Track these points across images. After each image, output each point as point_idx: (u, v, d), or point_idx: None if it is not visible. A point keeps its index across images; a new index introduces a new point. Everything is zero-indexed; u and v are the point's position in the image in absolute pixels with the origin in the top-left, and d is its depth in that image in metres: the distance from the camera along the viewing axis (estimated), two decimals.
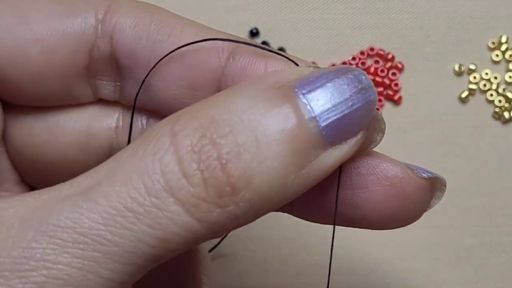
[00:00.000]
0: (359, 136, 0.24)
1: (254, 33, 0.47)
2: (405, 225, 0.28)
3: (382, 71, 0.47)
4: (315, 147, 0.23)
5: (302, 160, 0.23)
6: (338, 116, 0.23)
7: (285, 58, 0.26)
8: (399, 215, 0.27)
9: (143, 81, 0.28)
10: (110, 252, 0.22)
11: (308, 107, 0.23)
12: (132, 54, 0.28)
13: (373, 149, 0.27)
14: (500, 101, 0.47)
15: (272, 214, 0.28)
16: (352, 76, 0.24)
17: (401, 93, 0.47)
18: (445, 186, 0.29)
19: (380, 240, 0.45)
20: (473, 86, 0.47)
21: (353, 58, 0.47)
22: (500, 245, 0.45)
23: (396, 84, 0.47)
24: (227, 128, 0.23)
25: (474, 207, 0.46)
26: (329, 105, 0.23)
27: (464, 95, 0.47)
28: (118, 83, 0.29)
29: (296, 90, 0.23)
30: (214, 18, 0.47)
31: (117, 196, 0.22)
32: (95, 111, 0.30)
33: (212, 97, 0.24)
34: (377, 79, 0.47)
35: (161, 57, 0.27)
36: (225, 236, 0.36)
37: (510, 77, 0.47)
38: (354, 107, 0.23)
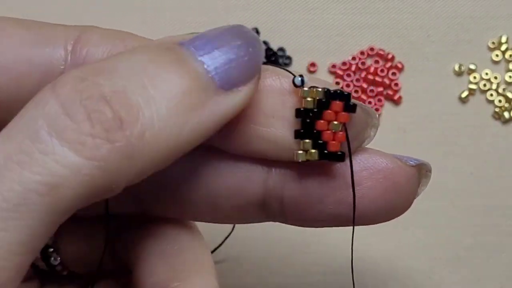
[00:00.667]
0: (250, 84, 0.24)
1: None
2: (396, 216, 0.28)
3: (382, 71, 0.47)
4: (205, 89, 0.23)
5: (192, 101, 0.23)
6: (224, 59, 0.24)
7: (272, 67, 0.26)
8: (392, 206, 0.27)
9: None
10: None
11: (194, 54, 0.24)
12: None
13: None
14: (500, 101, 0.47)
15: None
16: (234, 28, 0.25)
17: (401, 93, 0.47)
18: (430, 172, 0.29)
19: (380, 240, 0.45)
20: (473, 86, 0.47)
21: (353, 58, 0.47)
22: (500, 245, 0.45)
23: (396, 84, 0.47)
24: (109, 73, 0.22)
25: (474, 207, 0.46)
26: (215, 51, 0.24)
27: (464, 95, 0.47)
28: None
29: (183, 44, 0.24)
30: (214, 18, 0.47)
31: (1, 151, 0.21)
32: None
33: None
34: (377, 79, 0.47)
35: None
36: (227, 237, 0.36)
37: (510, 77, 0.47)
38: (239, 53, 0.24)
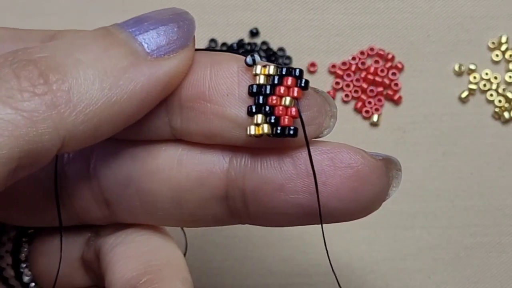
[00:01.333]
0: (182, 52, 0.26)
1: (254, 33, 0.47)
2: (365, 214, 0.27)
3: (382, 71, 0.47)
4: (133, 53, 0.25)
5: (122, 63, 0.24)
6: (151, 28, 0.26)
7: (227, 53, 0.27)
8: (358, 198, 0.26)
9: None
10: None
11: (123, 27, 0.26)
12: None
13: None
14: (500, 101, 0.47)
15: None
16: (168, 8, 0.27)
17: (401, 93, 0.47)
18: (400, 171, 0.28)
19: (380, 240, 0.45)
20: (473, 86, 0.47)
21: (353, 58, 0.47)
22: (500, 245, 0.45)
23: (396, 84, 0.47)
24: (42, 47, 0.24)
25: (474, 207, 0.46)
26: (143, 24, 0.26)
27: (464, 95, 0.47)
28: None
29: (113, 24, 0.26)
30: (214, 18, 0.47)
31: None
32: None
33: None
34: (377, 79, 0.47)
35: None
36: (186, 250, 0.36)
37: (510, 77, 0.47)
38: (167, 22, 0.26)
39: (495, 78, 0.47)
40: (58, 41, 0.25)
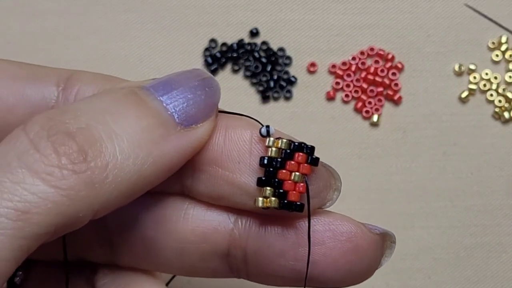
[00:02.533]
0: (208, 121, 0.26)
1: (254, 33, 0.47)
2: (357, 283, 0.29)
3: (382, 71, 0.47)
4: (164, 125, 0.25)
5: (153, 135, 0.25)
6: (181, 98, 0.26)
7: (243, 117, 0.28)
8: (353, 270, 0.28)
9: None
10: None
11: (154, 94, 0.26)
12: None
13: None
14: (500, 101, 0.47)
15: None
16: (191, 70, 0.27)
17: (401, 93, 0.47)
18: (394, 243, 0.30)
19: None
20: (473, 86, 0.47)
21: (353, 58, 0.47)
22: (500, 245, 0.45)
23: (396, 84, 0.47)
24: (75, 112, 0.24)
25: (474, 207, 0.46)
26: (173, 92, 0.26)
27: (464, 95, 0.47)
28: None
29: (143, 87, 0.26)
30: (214, 18, 0.47)
31: None
32: None
33: None
34: (377, 79, 0.47)
35: None
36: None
37: (510, 77, 0.47)
38: (196, 91, 0.26)
39: (495, 78, 0.47)
40: (90, 104, 0.25)
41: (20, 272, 0.31)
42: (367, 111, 0.47)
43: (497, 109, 0.46)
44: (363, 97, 0.47)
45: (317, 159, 0.27)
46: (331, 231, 0.27)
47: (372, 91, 0.47)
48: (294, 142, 0.27)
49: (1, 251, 0.22)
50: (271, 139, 0.27)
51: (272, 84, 0.47)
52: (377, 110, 0.47)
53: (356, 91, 0.47)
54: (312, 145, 0.27)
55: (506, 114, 0.46)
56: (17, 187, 0.22)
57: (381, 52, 0.47)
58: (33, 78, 0.28)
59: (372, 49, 0.47)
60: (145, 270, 0.30)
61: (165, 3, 0.47)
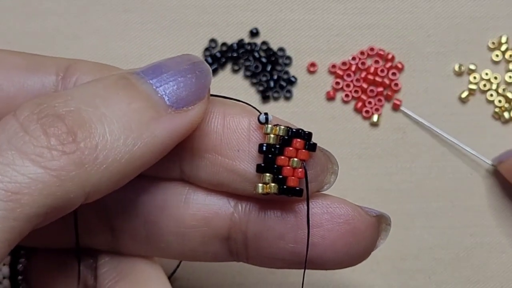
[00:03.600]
0: (200, 103, 0.26)
1: (254, 33, 0.47)
2: (354, 264, 0.29)
3: (382, 71, 0.47)
4: (155, 106, 0.25)
5: (144, 117, 0.25)
6: (171, 81, 0.26)
7: (243, 104, 0.28)
8: (351, 252, 0.28)
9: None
10: None
11: (144, 78, 0.26)
12: None
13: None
14: (500, 101, 0.47)
15: None
16: (182, 55, 0.27)
17: (401, 93, 0.47)
18: (389, 225, 0.30)
19: None
20: (473, 86, 0.47)
21: (353, 58, 0.47)
22: (500, 245, 0.45)
23: (396, 84, 0.47)
24: (66, 97, 0.24)
25: (474, 207, 0.46)
26: (163, 75, 0.26)
27: (464, 95, 0.47)
28: None
29: (134, 72, 0.26)
30: (214, 18, 0.47)
31: None
32: None
33: None
34: (377, 79, 0.47)
35: None
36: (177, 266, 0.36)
37: (510, 77, 0.47)
38: (187, 74, 0.26)
39: (495, 78, 0.47)
40: (80, 90, 0.25)
41: (23, 259, 0.31)
42: (367, 111, 0.47)
43: (497, 109, 0.46)
44: (363, 97, 0.47)
45: (315, 144, 0.27)
46: (329, 213, 0.28)
47: (372, 91, 0.47)
48: (292, 129, 0.27)
49: None
50: (269, 126, 0.27)
51: (272, 84, 0.47)
52: (377, 110, 0.47)
53: (356, 91, 0.47)
54: (310, 131, 0.27)
55: (506, 114, 0.46)
56: (7, 168, 0.22)
57: (381, 52, 0.47)
58: (33, 68, 0.28)
59: (372, 49, 0.47)
60: (146, 257, 0.30)
61: (165, 3, 0.47)
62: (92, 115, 0.24)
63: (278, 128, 0.27)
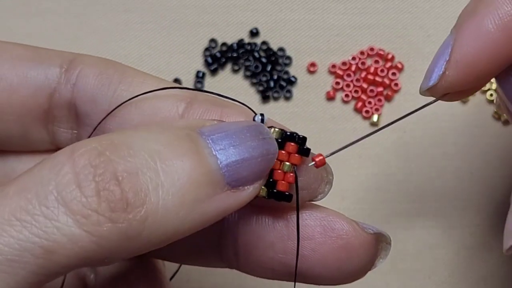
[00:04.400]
0: (256, 184, 0.25)
1: (254, 33, 0.47)
2: (349, 282, 0.28)
3: (382, 71, 0.47)
4: (213, 183, 0.24)
5: (200, 194, 0.24)
6: (237, 158, 0.24)
7: (240, 105, 0.27)
8: (344, 268, 0.28)
9: (99, 123, 0.28)
10: None
11: (211, 148, 0.24)
12: (92, 100, 0.28)
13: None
14: None
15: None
16: (254, 127, 0.25)
17: (401, 93, 0.47)
18: (390, 244, 0.29)
19: None
20: None
21: (353, 58, 0.47)
22: (500, 245, 0.45)
23: (396, 84, 0.47)
24: (126, 151, 0.23)
25: (474, 207, 0.46)
26: (230, 148, 0.24)
27: None
28: (75, 131, 0.29)
29: (202, 134, 0.25)
30: (214, 18, 0.47)
31: (7, 205, 0.22)
32: None
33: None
34: (377, 79, 0.47)
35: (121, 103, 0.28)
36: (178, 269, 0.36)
37: None
38: (253, 153, 0.25)
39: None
40: (141, 140, 0.24)
41: None
42: (367, 111, 0.47)
43: (497, 109, 0.46)
44: (363, 97, 0.47)
45: (308, 150, 0.27)
46: (322, 226, 0.27)
47: (372, 91, 0.47)
48: (286, 132, 0.27)
49: (18, 284, 0.21)
50: None
51: (272, 84, 0.47)
52: (377, 110, 0.47)
53: (356, 91, 0.47)
54: (305, 135, 0.27)
55: (506, 114, 0.46)
56: (48, 223, 0.22)
57: (381, 52, 0.47)
58: (37, 60, 0.28)
59: (372, 49, 0.47)
60: (148, 257, 0.29)
61: (165, 3, 0.47)
62: (150, 183, 0.23)
63: (272, 130, 0.27)
